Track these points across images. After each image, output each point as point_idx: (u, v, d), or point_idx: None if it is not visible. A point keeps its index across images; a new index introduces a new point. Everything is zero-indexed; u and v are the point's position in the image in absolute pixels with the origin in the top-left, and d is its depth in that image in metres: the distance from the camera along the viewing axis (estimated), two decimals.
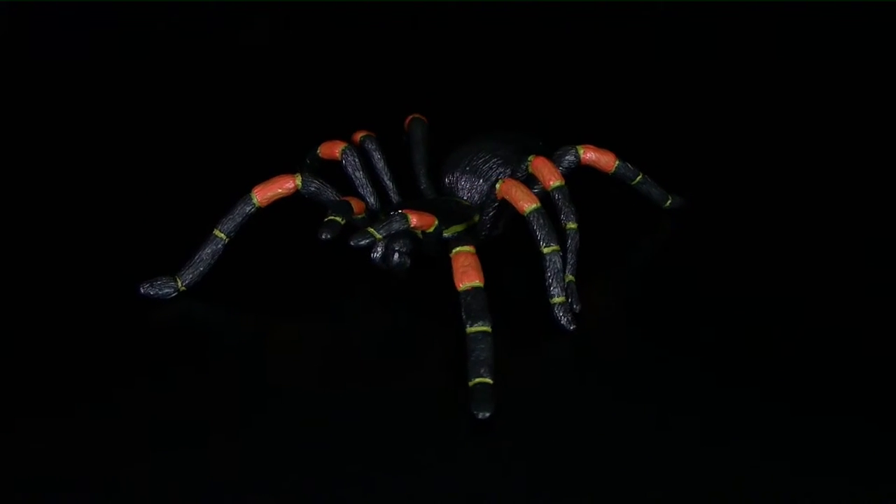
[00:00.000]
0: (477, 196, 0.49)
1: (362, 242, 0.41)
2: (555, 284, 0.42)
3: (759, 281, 0.47)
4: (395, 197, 0.49)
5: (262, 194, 0.45)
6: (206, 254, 0.45)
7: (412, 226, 0.42)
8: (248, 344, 0.43)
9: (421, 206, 0.46)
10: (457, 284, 0.39)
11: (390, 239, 0.43)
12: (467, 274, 0.39)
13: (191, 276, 0.45)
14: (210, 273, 0.45)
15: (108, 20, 0.93)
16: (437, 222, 0.44)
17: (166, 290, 0.44)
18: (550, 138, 0.53)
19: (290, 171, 0.45)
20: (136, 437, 0.36)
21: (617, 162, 0.49)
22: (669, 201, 0.53)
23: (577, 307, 0.43)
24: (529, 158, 0.46)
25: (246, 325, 0.45)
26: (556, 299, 0.42)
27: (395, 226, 0.42)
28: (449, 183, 0.50)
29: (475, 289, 0.39)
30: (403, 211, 0.42)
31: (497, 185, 0.44)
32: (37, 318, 0.45)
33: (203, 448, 0.36)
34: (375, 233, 0.41)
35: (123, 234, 0.53)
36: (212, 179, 0.59)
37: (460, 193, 0.49)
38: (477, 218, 0.47)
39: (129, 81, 0.81)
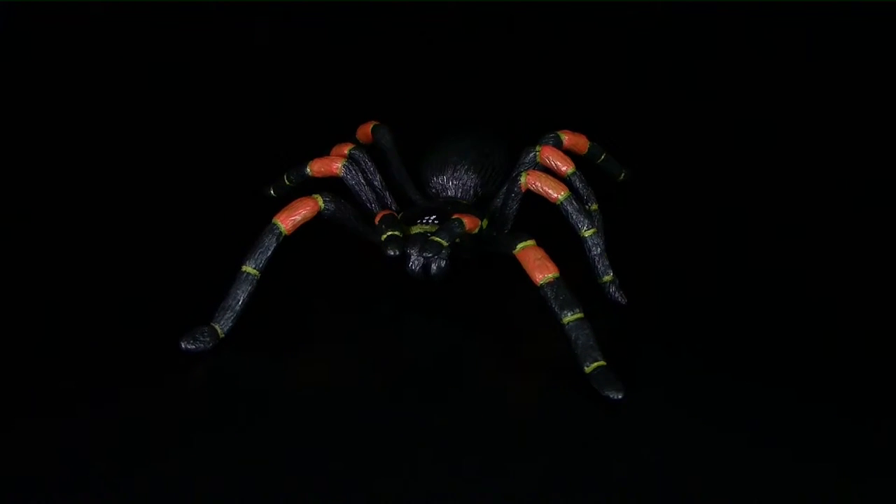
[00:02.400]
0: (472, 193, 0.49)
1: (429, 254, 0.40)
2: (601, 264, 0.44)
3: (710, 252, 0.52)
4: (393, 205, 0.48)
5: (288, 222, 0.42)
6: (241, 294, 0.41)
7: (467, 229, 0.42)
8: (288, 372, 0.40)
9: (429, 210, 0.46)
10: (535, 280, 0.39)
11: (421, 247, 0.42)
12: (544, 266, 0.40)
13: (230, 321, 0.41)
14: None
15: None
16: (480, 223, 0.43)
17: (208, 340, 0.40)
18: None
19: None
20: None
21: (589, 143, 0.51)
22: (623, 174, 0.56)
23: (616, 281, 0.45)
24: (537, 148, 0.47)
25: (279, 353, 0.42)
26: (606, 277, 0.44)
27: (456, 231, 0.41)
28: (438, 184, 0.49)
29: (556, 279, 0.39)
30: (456, 215, 0.42)
31: (521, 178, 0.44)
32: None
33: (249, 460, 0.34)
34: (442, 241, 0.40)
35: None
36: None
37: (453, 193, 0.49)
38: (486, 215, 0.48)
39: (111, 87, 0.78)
